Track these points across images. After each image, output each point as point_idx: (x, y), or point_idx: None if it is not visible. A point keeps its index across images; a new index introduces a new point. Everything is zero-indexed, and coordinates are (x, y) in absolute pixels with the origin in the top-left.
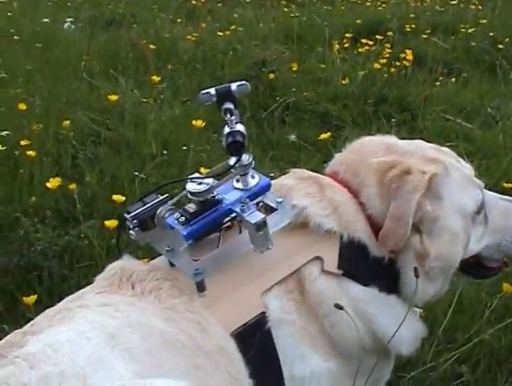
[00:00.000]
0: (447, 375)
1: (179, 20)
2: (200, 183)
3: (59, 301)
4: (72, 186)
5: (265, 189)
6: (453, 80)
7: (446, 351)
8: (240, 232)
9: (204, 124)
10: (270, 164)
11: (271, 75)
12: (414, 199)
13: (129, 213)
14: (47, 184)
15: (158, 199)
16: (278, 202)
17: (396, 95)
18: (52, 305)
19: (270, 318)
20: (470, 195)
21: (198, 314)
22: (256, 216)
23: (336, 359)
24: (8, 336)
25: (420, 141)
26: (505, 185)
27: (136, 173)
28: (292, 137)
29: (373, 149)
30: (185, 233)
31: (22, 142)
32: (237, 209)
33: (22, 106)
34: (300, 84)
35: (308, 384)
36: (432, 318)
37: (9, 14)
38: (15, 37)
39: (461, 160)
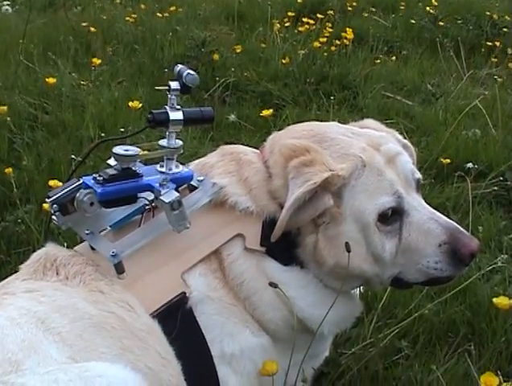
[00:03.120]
0: (387, 350)
1: (118, 1)
2: (126, 150)
3: None
4: (9, 170)
5: (186, 179)
6: (394, 58)
7: (386, 326)
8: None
9: (141, 105)
10: (210, 144)
11: (215, 56)
12: (299, 192)
13: (49, 198)
14: None
15: (77, 183)
16: (198, 180)
17: (336, 73)
18: None
19: (195, 297)
20: (374, 201)
21: (124, 294)
22: (171, 195)
23: (268, 334)
24: None
25: (370, 123)
26: (443, 161)
27: (73, 156)
28: (232, 117)
29: (297, 130)
30: (99, 191)
31: None
32: (156, 185)
33: None
34: (241, 64)
35: (240, 361)
36: (372, 294)
37: None
38: None
39: (398, 158)
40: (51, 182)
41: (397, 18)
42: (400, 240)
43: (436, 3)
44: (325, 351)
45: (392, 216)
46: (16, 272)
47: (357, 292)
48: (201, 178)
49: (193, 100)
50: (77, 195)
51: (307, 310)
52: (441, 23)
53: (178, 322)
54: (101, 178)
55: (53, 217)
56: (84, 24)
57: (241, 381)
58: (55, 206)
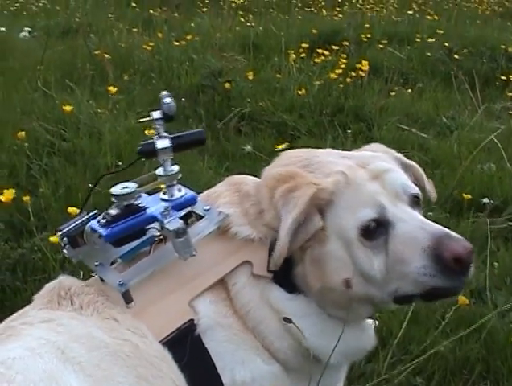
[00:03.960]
0: None
1: (135, 30)
2: (125, 188)
3: (11, 314)
4: (26, 198)
5: (190, 201)
6: (409, 90)
7: (401, 362)
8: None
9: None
10: (226, 175)
11: (227, 85)
12: (294, 214)
13: (59, 231)
14: (1, 196)
15: (87, 216)
16: (205, 209)
17: (352, 105)
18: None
19: (205, 323)
20: (355, 215)
21: (136, 321)
22: (175, 223)
23: (278, 363)
24: None
25: (372, 147)
26: (458, 195)
27: (90, 184)
28: (248, 148)
29: (286, 156)
30: (105, 234)
31: None
32: (159, 216)
33: None
34: (256, 94)
35: None
36: (387, 330)
37: None
38: None
39: (388, 174)
40: (70, 210)
41: (412, 51)
42: (387, 254)
43: (442, 31)
44: (338, 382)
45: (377, 229)
46: (31, 300)
47: (371, 324)
48: (207, 207)
49: (208, 130)
50: (86, 227)
51: (312, 340)
52: (456, 56)
53: (187, 349)
54: (105, 220)
55: (63, 250)
56: (101, 52)
57: None
58: (64, 239)
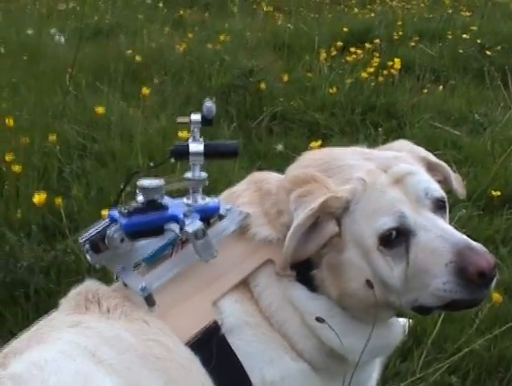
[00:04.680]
0: (437, 385)
1: (166, 30)
2: (151, 183)
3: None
4: (58, 200)
5: (212, 209)
6: (441, 87)
7: (435, 361)
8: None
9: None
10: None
11: (259, 85)
12: (299, 219)
13: (81, 238)
14: (33, 199)
15: (107, 221)
16: (226, 209)
17: (384, 103)
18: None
19: (231, 323)
20: (373, 224)
21: (163, 324)
22: (195, 225)
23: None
24: None
25: (396, 145)
26: (493, 193)
27: (122, 185)
28: (279, 147)
29: (307, 158)
30: (124, 222)
31: (7, 157)
32: (180, 216)
33: (8, 120)
34: (288, 94)
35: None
36: (422, 329)
37: None
38: (1, 49)
39: (410, 177)
40: (104, 212)
41: (444, 47)
42: (408, 263)
43: (476, 28)
44: (368, 381)
45: (397, 238)
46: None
47: (403, 321)
48: (228, 207)
49: (240, 130)
50: (107, 232)
51: (334, 339)
52: (488, 52)
53: (213, 350)
54: (126, 210)
55: (87, 256)
56: (131, 53)
57: None
58: (86, 245)
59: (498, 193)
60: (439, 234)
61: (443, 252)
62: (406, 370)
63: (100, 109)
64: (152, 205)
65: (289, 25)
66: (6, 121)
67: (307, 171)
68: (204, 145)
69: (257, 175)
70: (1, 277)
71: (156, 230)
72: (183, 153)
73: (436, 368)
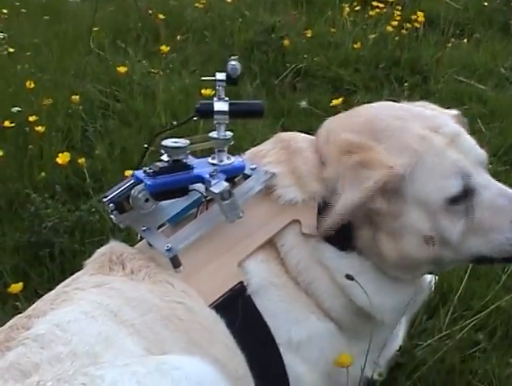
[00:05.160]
0: (463, 343)
1: None
2: (176, 142)
3: (71, 276)
4: (82, 160)
5: (238, 169)
6: (465, 40)
7: (462, 318)
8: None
9: (214, 92)
10: (281, 131)
11: (281, 42)
12: (356, 198)
13: (105, 197)
14: (57, 159)
15: (131, 180)
16: (251, 168)
17: (408, 58)
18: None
19: (257, 283)
20: (440, 186)
21: (187, 286)
22: (220, 185)
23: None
24: (12, 320)
25: (425, 105)
26: None
27: (146, 146)
28: (303, 104)
29: (353, 121)
30: (149, 183)
31: (31, 118)
32: (206, 176)
33: (31, 82)
34: (311, 49)
35: (308, 348)
36: (448, 286)
37: None
38: (22, 10)
39: (461, 137)
40: (127, 173)
41: (468, 0)
42: (471, 220)
43: None
44: (395, 339)
45: (461, 198)
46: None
47: (430, 278)
48: (254, 166)
49: (263, 87)
50: (132, 192)
51: (364, 298)
52: None
53: (239, 311)
54: (151, 170)
55: (111, 216)
56: (152, 11)
57: (310, 369)
58: (111, 205)
59: None
60: (499, 192)
61: (506, 209)
62: (432, 327)
63: (122, 68)
64: (177, 165)
65: None
66: (28, 82)
67: (359, 138)
68: (229, 104)
69: (283, 135)
70: (26, 238)
71: (181, 190)
72: (207, 112)
73: (463, 325)
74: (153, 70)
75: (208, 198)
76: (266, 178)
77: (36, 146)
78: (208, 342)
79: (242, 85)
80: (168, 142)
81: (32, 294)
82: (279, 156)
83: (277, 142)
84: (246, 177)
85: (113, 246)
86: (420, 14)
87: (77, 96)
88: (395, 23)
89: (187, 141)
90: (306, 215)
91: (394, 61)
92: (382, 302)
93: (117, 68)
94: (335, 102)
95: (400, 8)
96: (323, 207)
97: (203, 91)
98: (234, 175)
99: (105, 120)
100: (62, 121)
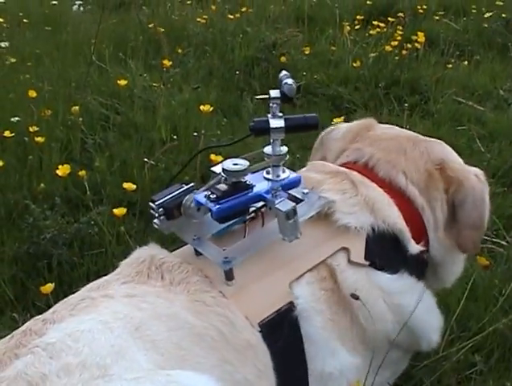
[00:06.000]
0: (460, 364)
1: (188, 2)
2: (236, 164)
3: (68, 288)
4: (82, 172)
5: (294, 184)
6: (465, 62)
7: (459, 339)
8: (263, 224)
9: (213, 109)
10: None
11: (282, 58)
12: (485, 205)
13: (154, 201)
14: (57, 171)
15: (184, 188)
16: (304, 193)
17: (407, 78)
18: (67, 294)
19: (302, 307)
20: None
21: (226, 308)
22: (286, 204)
23: (362, 354)
24: (28, 323)
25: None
26: None
27: (146, 159)
28: None
29: (400, 146)
30: (215, 209)
31: (31, 128)
32: (268, 196)
33: (32, 92)
34: (311, 67)
35: (336, 381)
36: (445, 307)
37: None
38: (24, 20)
39: None
40: (126, 185)
41: (468, 22)
42: None
43: (501, 2)
44: (403, 362)
45: None
46: (89, 275)
47: None
48: (306, 190)
49: (263, 103)
50: (184, 200)
51: (420, 317)
52: None
53: (284, 332)
54: (214, 195)
55: (155, 221)
56: (154, 25)
57: None
58: (161, 210)
59: None
60: None
61: None
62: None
63: (123, 81)
64: (238, 186)
65: None
66: (30, 92)
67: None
68: (285, 120)
69: (320, 164)
70: (24, 249)
71: (244, 211)
72: (263, 130)
73: (460, 347)
74: (154, 84)
75: (259, 212)
76: (321, 203)
77: (36, 157)
78: (240, 362)
79: (242, 101)
80: (229, 165)
81: (29, 306)
82: (343, 186)
83: (331, 173)
84: (294, 199)
85: (154, 254)
86: (421, 34)
87: (77, 108)
88: (395, 43)
89: (247, 163)
90: (355, 243)
91: (394, 80)
92: (430, 323)
93: (118, 81)
94: (336, 121)
95: (401, 28)
96: (377, 238)
97: (202, 107)
98: (291, 188)
99: (104, 132)
100: (61, 132)
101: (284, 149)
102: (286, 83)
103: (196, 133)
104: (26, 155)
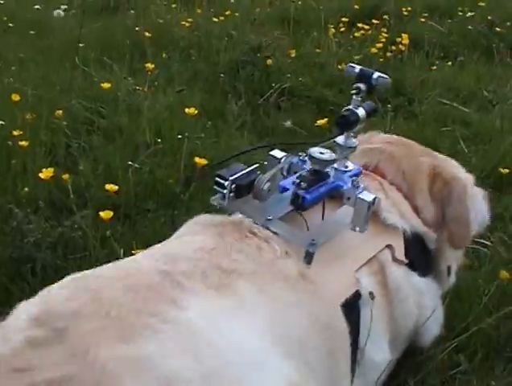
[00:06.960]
0: (444, 364)
1: (174, 5)
2: (322, 153)
3: None
4: (66, 176)
5: (358, 174)
6: (450, 63)
7: (443, 339)
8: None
9: (197, 112)
10: (266, 150)
11: (267, 61)
12: (471, 201)
13: (222, 177)
14: (40, 174)
15: (250, 168)
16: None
17: (392, 79)
18: None
19: (365, 297)
20: None
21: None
22: (369, 195)
23: (391, 349)
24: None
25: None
26: (502, 170)
27: (130, 162)
28: (288, 124)
29: (414, 153)
30: (308, 197)
31: (15, 132)
32: (349, 186)
33: (15, 96)
34: (296, 70)
35: (377, 371)
36: None
37: (1, 1)
38: (9, 24)
39: None
40: (108, 186)
41: (453, 24)
42: None
43: (483, 4)
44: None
45: None
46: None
47: None
48: (362, 185)
49: (248, 106)
50: (257, 181)
51: (439, 317)
52: (498, 29)
53: (353, 319)
54: (305, 184)
55: (216, 197)
56: (139, 28)
57: None
58: (233, 186)
59: (507, 171)
60: None
61: None
62: (413, 348)
63: (107, 85)
64: (320, 175)
65: (298, 1)
66: (13, 96)
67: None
68: (364, 109)
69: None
70: (8, 253)
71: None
72: (352, 122)
73: (444, 347)
74: (138, 87)
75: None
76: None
77: (19, 161)
78: (344, 346)
79: (227, 103)
80: (316, 153)
81: (13, 310)
82: (376, 185)
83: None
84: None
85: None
86: (405, 36)
87: (60, 111)
88: (380, 45)
89: (333, 155)
90: (397, 241)
91: None
92: (437, 322)
93: (102, 84)
94: (320, 122)
95: (385, 30)
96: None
97: (186, 110)
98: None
99: (89, 136)
100: (45, 136)
101: (356, 141)
102: (380, 76)
103: (180, 136)
104: (10, 159)
